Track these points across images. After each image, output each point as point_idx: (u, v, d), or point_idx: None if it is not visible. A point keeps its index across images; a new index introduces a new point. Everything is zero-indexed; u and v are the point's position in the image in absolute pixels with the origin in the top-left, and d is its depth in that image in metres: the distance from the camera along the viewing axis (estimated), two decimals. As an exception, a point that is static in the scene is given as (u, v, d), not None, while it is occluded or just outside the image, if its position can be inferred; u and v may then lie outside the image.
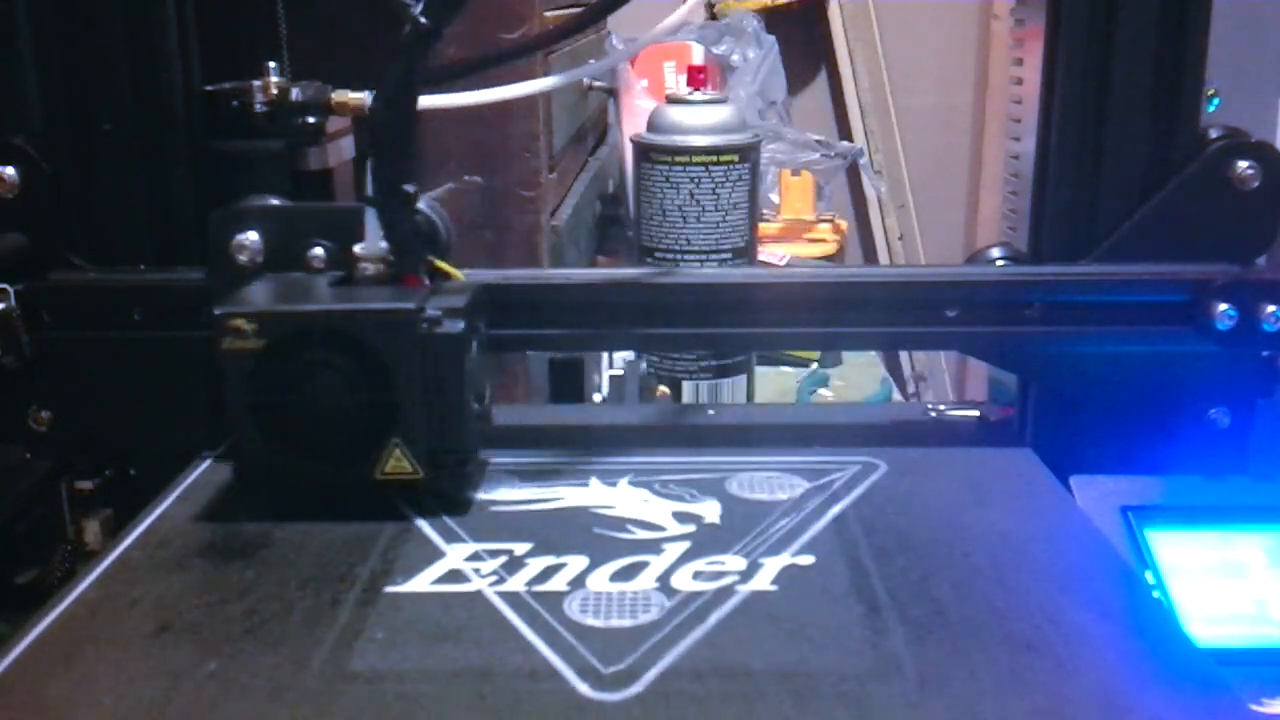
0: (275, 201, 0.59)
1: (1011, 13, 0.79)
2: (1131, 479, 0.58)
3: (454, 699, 0.38)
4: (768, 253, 1.38)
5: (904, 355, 2.10)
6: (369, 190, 0.53)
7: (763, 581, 0.45)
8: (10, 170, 0.58)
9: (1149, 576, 0.53)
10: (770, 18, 2.03)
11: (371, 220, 0.53)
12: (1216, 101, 0.61)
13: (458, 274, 0.55)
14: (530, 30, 0.92)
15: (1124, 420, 0.59)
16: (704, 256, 0.82)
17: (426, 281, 0.54)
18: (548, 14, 0.99)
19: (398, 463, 0.50)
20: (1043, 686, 0.38)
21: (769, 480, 0.55)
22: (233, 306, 0.50)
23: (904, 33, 2.26)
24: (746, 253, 0.85)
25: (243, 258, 0.56)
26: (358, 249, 0.54)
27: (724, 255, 0.83)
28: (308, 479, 0.51)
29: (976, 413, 0.65)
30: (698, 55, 1.63)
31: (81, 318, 0.59)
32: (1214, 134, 0.59)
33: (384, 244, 0.53)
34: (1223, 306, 0.56)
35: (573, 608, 0.44)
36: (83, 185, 0.59)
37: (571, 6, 1.20)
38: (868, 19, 2.25)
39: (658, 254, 0.85)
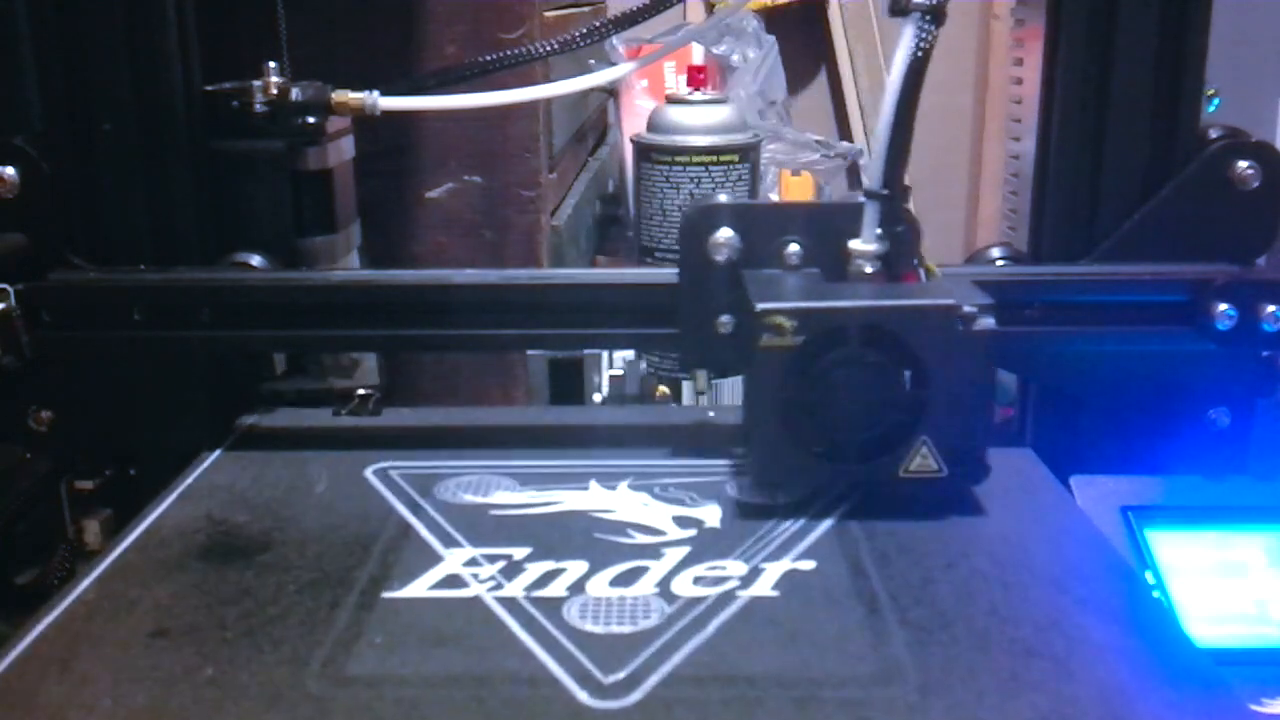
0: (726, 199, 0.59)
1: (1011, 13, 0.79)
2: (1131, 479, 0.58)
3: (452, 705, 0.38)
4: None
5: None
6: (871, 184, 0.52)
7: (764, 587, 0.45)
8: (10, 170, 0.58)
9: (1149, 576, 0.53)
10: (770, 18, 2.03)
11: (871, 215, 0.53)
12: (1216, 101, 0.61)
13: (937, 271, 0.55)
14: (530, 31, 0.92)
15: (1124, 420, 0.59)
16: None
17: (923, 278, 0.54)
18: (548, 14, 1.00)
19: (924, 460, 0.50)
20: (1043, 689, 0.38)
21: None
22: (774, 303, 0.49)
23: (904, 33, 2.26)
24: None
25: (719, 255, 0.55)
26: (855, 244, 0.53)
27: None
28: (830, 476, 0.51)
29: None
30: (698, 55, 1.63)
31: (81, 318, 0.59)
32: (1214, 134, 0.59)
33: (882, 239, 0.53)
34: (1223, 306, 0.56)
35: (572, 613, 0.43)
36: (83, 185, 0.59)
37: (571, 7, 1.21)
38: (868, 19, 2.25)
39: (658, 254, 0.85)
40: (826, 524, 0.51)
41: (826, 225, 0.54)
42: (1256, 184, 0.58)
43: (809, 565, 0.47)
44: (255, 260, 0.63)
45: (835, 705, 0.37)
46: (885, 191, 0.52)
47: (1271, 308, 0.56)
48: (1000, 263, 0.62)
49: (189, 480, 0.56)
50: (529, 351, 0.80)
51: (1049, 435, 0.60)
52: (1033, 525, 0.51)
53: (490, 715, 0.37)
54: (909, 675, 0.39)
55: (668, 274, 0.57)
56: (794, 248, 0.55)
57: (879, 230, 0.53)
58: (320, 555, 0.48)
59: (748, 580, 0.46)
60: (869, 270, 0.53)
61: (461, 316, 0.59)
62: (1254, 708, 0.47)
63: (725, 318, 0.55)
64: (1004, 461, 0.58)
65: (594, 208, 1.31)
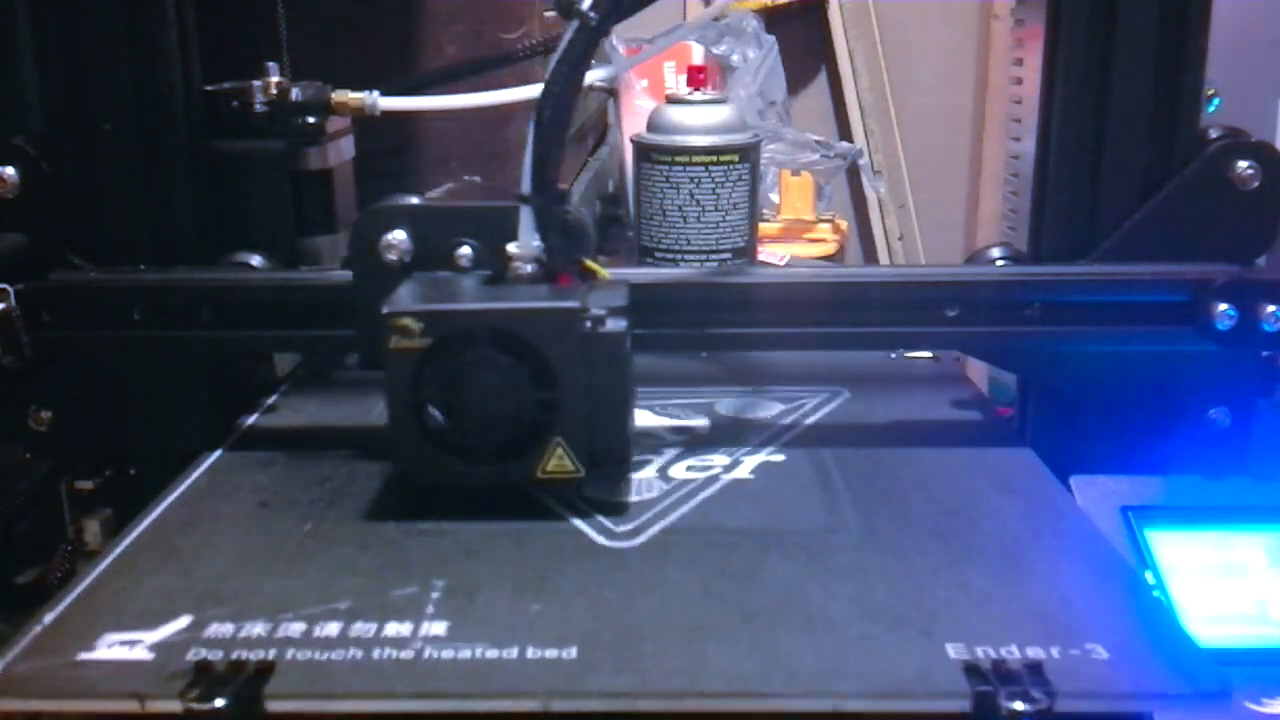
0: (415, 200, 0.59)
1: (1011, 13, 0.79)
2: (1131, 479, 0.58)
3: (499, 545, 0.49)
4: (768, 253, 1.38)
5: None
6: (525, 188, 0.52)
7: (742, 472, 0.57)
8: (10, 170, 0.58)
9: (1149, 576, 0.53)
10: (770, 18, 2.03)
11: (526, 219, 0.53)
12: (1216, 101, 0.61)
13: (604, 273, 0.55)
14: (530, 31, 0.92)
15: (1124, 420, 0.59)
16: (704, 256, 0.82)
17: (577, 280, 0.54)
18: (547, 14, 0.99)
19: (559, 462, 0.51)
20: (956, 536, 0.50)
21: (752, 404, 0.67)
22: (400, 305, 0.50)
23: (904, 33, 2.26)
24: (746, 253, 0.85)
25: (391, 256, 0.56)
26: (511, 247, 0.53)
27: (724, 255, 0.83)
28: (468, 478, 0.52)
29: (930, 355, 0.74)
30: (698, 55, 1.62)
31: (81, 318, 0.59)
32: (1214, 134, 0.59)
33: (537, 243, 0.53)
34: (1223, 306, 0.56)
35: (589, 489, 0.54)
36: (83, 185, 0.59)
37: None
38: (868, 19, 2.25)
39: (658, 254, 0.85)
40: (796, 430, 0.58)
41: (494, 228, 0.55)
42: (1256, 184, 0.58)
43: (779, 458, 0.59)
44: (255, 260, 0.63)
45: (794, 546, 0.49)
46: (536, 196, 0.52)
47: (1271, 308, 0.56)
48: (1000, 263, 0.62)
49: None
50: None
51: (1049, 435, 0.60)
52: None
53: (528, 550, 0.49)
54: (852, 528, 0.51)
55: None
56: (465, 250, 0.56)
57: (537, 233, 0.53)
58: (385, 452, 0.57)
59: (729, 468, 0.58)
60: (525, 272, 0.53)
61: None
62: (1254, 708, 0.47)
63: None
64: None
65: (594, 208, 1.31)
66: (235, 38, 0.67)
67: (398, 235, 0.56)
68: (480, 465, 0.51)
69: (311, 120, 0.64)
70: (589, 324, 0.49)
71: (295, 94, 0.63)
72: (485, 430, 0.51)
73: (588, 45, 0.51)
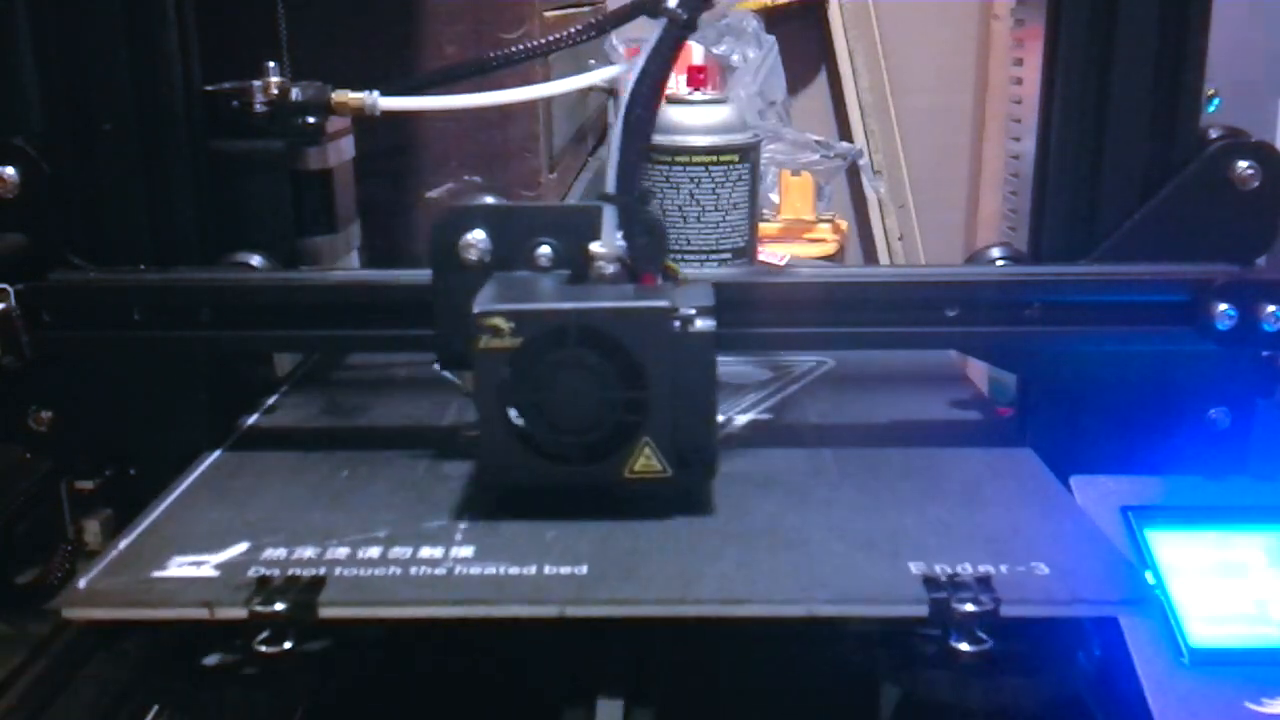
0: (492, 200, 0.59)
1: (1011, 13, 0.79)
2: (1131, 479, 0.57)
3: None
4: (768, 253, 1.38)
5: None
6: (609, 187, 0.52)
7: (733, 428, 0.64)
8: (10, 170, 0.58)
9: (1149, 576, 0.53)
10: (770, 18, 2.03)
11: (610, 218, 0.53)
12: (1216, 101, 0.61)
13: (682, 273, 0.56)
14: (530, 31, 0.92)
15: (1124, 420, 0.59)
16: (704, 256, 0.82)
17: (660, 280, 0.54)
18: (547, 14, 0.99)
19: (647, 461, 0.51)
20: (924, 476, 0.56)
21: (744, 372, 0.72)
22: (491, 305, 0.50)
23: (904, 33, 2.26)
24: (746, 253, 0.85)
25: (471, 256, 0.55)
26: (595, 247, 0.53)
27: (724, 255, 0.83)
28: (556, 478, 0.52)
29: None
30: (698, 55, 1.62)
31: (81, 318, 0.59)
32: (1214, 134, 0.59)
33: (621, 242, 0.53)
34: (1223, 306, 0.56)
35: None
36: (83, 185, 0.59)
37: (570, 7, 1.20)
38: (868, 19, 2.25)
39: (658, 254, 0.85)
40: (783, 393, 0.60)
41: (575, 228, 0.55)
42: (1256, 184, 0.58)
43: (767, 416, 0.66)
44: (255, 260, 0.63)
45: (778, 485, 0.55)
46: (621, 195, 0.52)
47: (1271, 308, 0.56)
48: (1000, 263, 0.62)
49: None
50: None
51: (1049, 435, 0.60)
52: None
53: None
54: (831, 472, 0.57)
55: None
56: (545, 249, 0.55)
57: (620, 233, 0.53)
58: (412, 412, 0.66)
59: (722, 425, 0.63)
60: (608, 272, 0.53)
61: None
62: (1254, 707, 0.47)
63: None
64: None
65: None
66: (235, 38, 0.67)
67: (477, 235, 0.55)
68: (568, 465, 0.51)
69: (311, 120, 0.64)
70: (678, 324, 0.49)
71: (295, 94, 0.63)
72: (574, 430, 0.51)
73: (676, 43, 0.51)
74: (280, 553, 0.49)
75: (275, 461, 0.59)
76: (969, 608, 0.43)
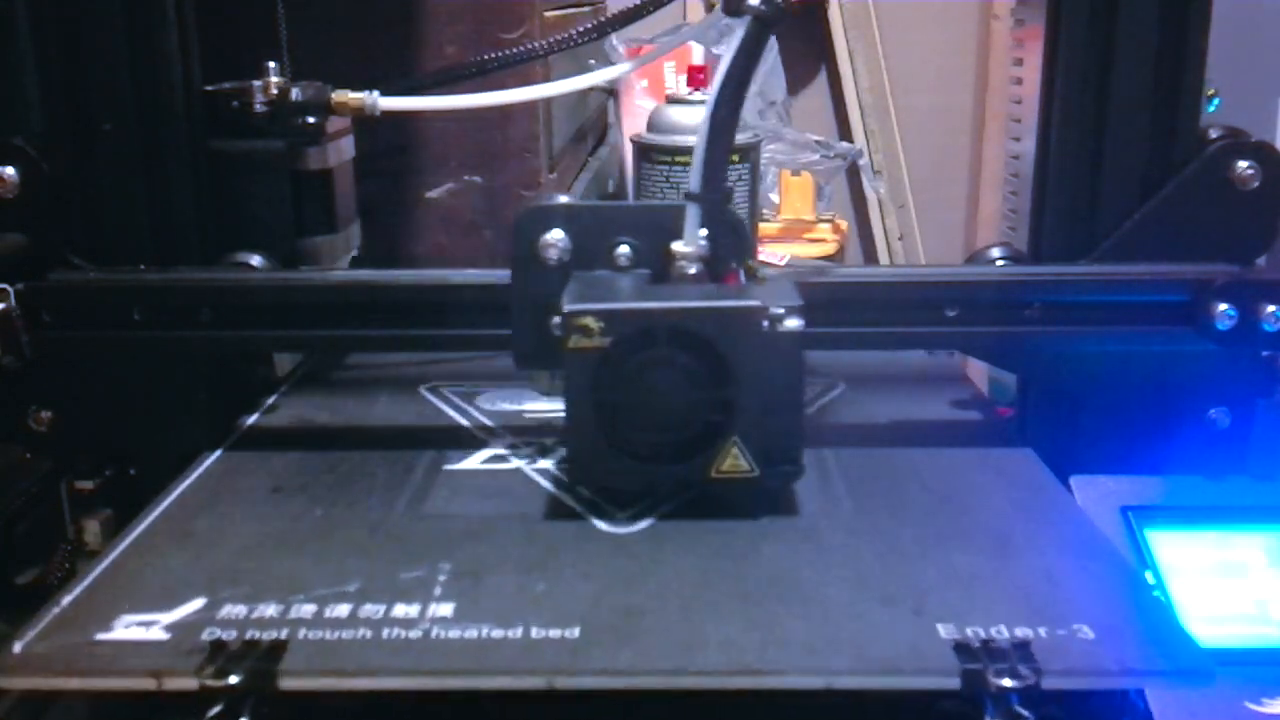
0: (565, 199, 0.58)
1: (1011, 13, 0.79)
2: (1131, 479, 0.57)
3: (504, 530, 0.51)
4: (768, 253, 1.38)
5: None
6: (693, 186, 0.52)
7: None
8: (10, 170, 0.58)
9: (1149, 576, 0.53)
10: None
11: (693, 217, 0.53)
12: (1216, 101, 0.61)
13: (762, 273, 0.55)
14: (530, 31, 0.92)
15: (1124, 420, 0.59)
16: (704, 256, 0.82)
17: (743, 279, 0.54)
18: (548, 14, 0.99)
19: (734, 461, 0.51)
20: (946, 517, 0.52)
21: None
22: (582, 304, 0.50)
23: (904, 33, 2.26)
24: (746, 253, 0.85)
25: (551, 256, 0.55)
26: (677, 246, 0.53)
27: (724, 255, 0.83)
28: (644, 477, 0.52)
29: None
30: (698, 55, 1.62)
31: (81, 318, 0.59)
32: (1214, 134, 0.59)
33: (704, 241, 0.53)
34: (1223, 306, 0.56)
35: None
36: (83, 185, 0.59)
37: (570, 7, 1.20)
38: (868, 19, 2.25)
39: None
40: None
41: (655, 227, 0.55)
42: (1256, 184, 0.58)
43: None
44: (255, 260, 0.63)
45: (789, 529, 0.51)
46: (706, 194, 0.52)
47: (1271, 308, 0.56)
48: (1000, 263, 0.62)
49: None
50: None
51: (1049, 435, 0.60)
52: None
53: (531, 534, 0.51)
54: (846, 507, 0.53)
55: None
56: (624, 249, 0.55)
57: (701, 232, 0.53)
58: (392, 442, 0.61)
59: None
60: (691, 272, 0.53)
61: (461, 316, 0.59)
62: (1254, 708, 0.47)
63: (556, 319, 0.54)
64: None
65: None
66: (235, 38, 0.67)
67: (557, 234, 0.55)
68: (656, 464, 0.51)
69: (311, 120, 0.64)
70: (768, 323, 0.49)
71: (295, 94, 0.63)
72: (662, 429, 0.51)
73: (760, 40, 0.51)
74: (239, 610, 0.44)
75: (245, 496, 0.55)
76: (1007, 682, 0.39)
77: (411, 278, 0.60)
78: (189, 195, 0.61)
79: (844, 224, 1.82)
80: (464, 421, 0.65)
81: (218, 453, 0.60)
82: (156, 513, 0.53)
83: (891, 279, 0.61)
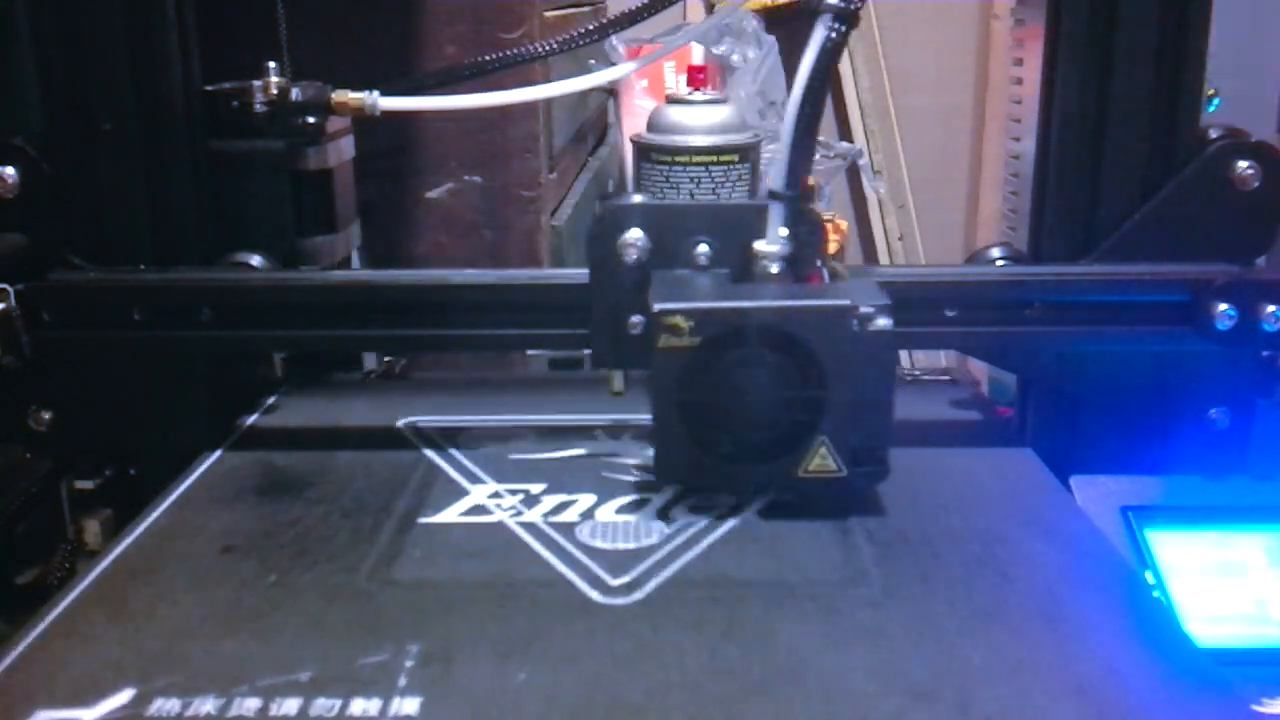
0: (640, 198, 0.58)
1: (1012, 13, 0.79)
2: (1131, 479, 0.57)
3: (481, 601, 0.45)
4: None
5: (904, 355, 2.09)
6: (776, 185, 0.52)
7: (750, 513, 0.52)
8: (10, 170, 0.58)
9: (1149, 576, 0.53)
10: (770, 18, 2.03)
11: (776, 216, 0.53)
12: (1216, 101, 0.61)
13: (844, 271, 0.55)
14: (530, 31, 0.92)
15: (1124, 420, 0.59)
16: (704, 256, 0.82)
17: (826, 278, 0.54)
18: (548, 14, 1.00)
19: (823, 460, 0.51)
20: (986, 590, 0.45)
21: None
22: (672, 303, 0.49)
23: (904, 33, 2.26)
24: (747, 253, 0.85)
25: (631, 255, 0.55)
26: (759, 245, 0.53)
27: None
28: (732, 477, 0.51)
29: (947, 378, 0.70)
30: (698, 55, 1.62)
31: (81, 318, 0.59)
32: (1214, 134, 0.59)
33: (787, 240, 0.53)
34: (1223, 306, 0.56)
35: (583, 534, 0.50)
36: (83, 185, 0.59)
37: (571, 7, 1.20)
38: (868, 19, 2.25)
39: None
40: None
41: (734, 226, 0.54)
42: (1256, 184, 0.58)
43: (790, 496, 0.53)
44: (255, 260, 0.63)
45: (808, 601, 0.44)
46: (790, 192, 0.52)
47: (1271, 308, 0.56)
48: (1000, 263, 0.62)
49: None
50: (529, 351, 0.80)
51: (1049, 435, 0.60)
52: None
53: (513, 606, 0.44)
54: (873, 579, 0.46)
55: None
56: (703, 248, 0.55)
57: (784, 231, 0.53)
58: (361, 490, 0.55)
59: (737, 508, 0.52)
60: (774, 270, 0.53)
61: (461, 316, 0.59)
62: (1254, 708, 0.47)
63: (635, 318, 0.55)
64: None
65: (594, 208, 1.31)
66: (235, 38, 0.67)
67: (636, 234, 0.55)
68: (744, 464, 0.51)
69: (311, 120, 0.64)
70: (858, 322, 0.49)
71: (295, 94, 0.63)
72: (751, 429, 0.50)
73: (842, 38, 0.51)
74: (172, 706, 0.38)
75: (191, 559, 0.48)
76: None
77: (411, 278, 0.60)
78: (189, 195, 0.61)
79: (844, 224, 1.82)
80: (444, 464, 0.58)
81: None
82: (91, 576, 0.47)
83: (891, 279, 0.61)
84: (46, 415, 0.61)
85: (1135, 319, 0.58)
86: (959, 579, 0.46)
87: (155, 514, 0.53)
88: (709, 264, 0.55)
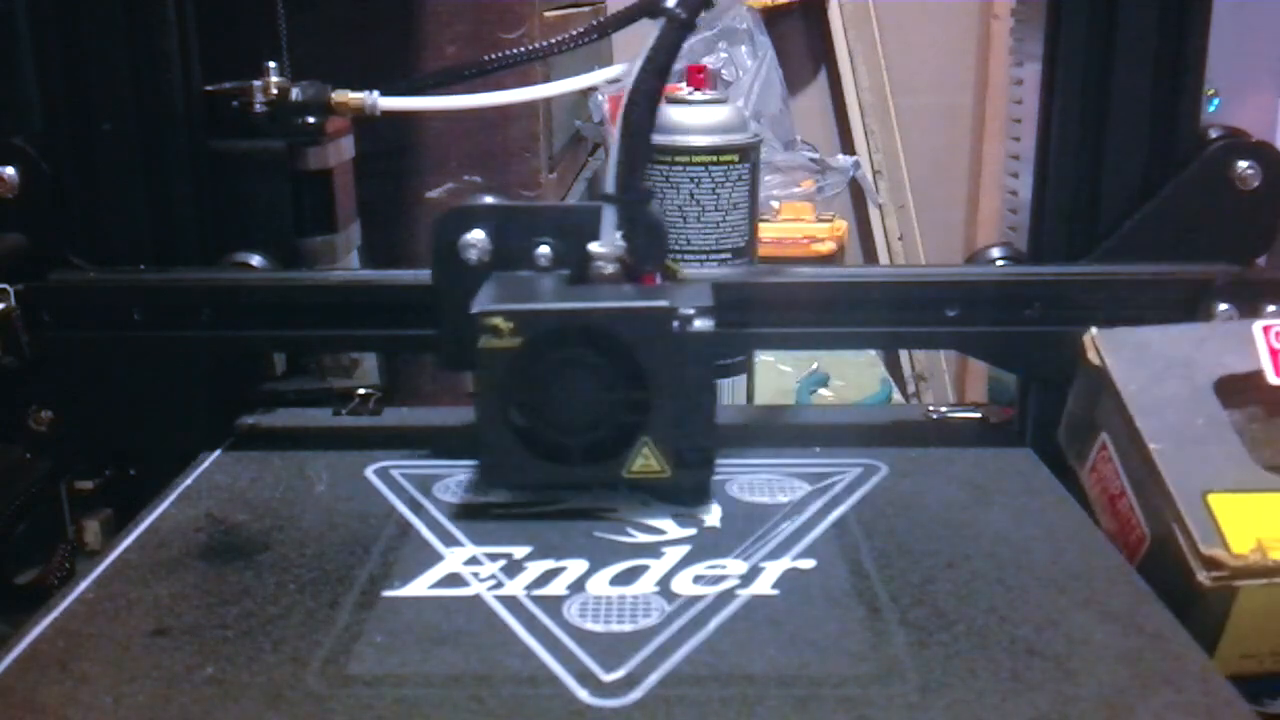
0: (491, 200, 0.58)
1: (1012, 13, 0.79)
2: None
3: (452, 704, 0.38)
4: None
5: (904, 355, 2.10)
6: (608, 187, 0.53)
7: (764, 586, 0.45)
8: (10, 170, 0.58)
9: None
10: (770, 17, 2.03)
11: (609, 218, 0.53)
12: (1216, 101, 0.61)
13: (682, 272, 0.55)
14: (530, 31, 0.92)
15: (1124, 420, 0.59)
16: (704, 256, 0.82)
17: (659, 280, 0.54)
18: (548, 14, 1.00)
19: (646, 461, 0.51)
20: (1043, 689, 0.38)
21: (770, 483, 0.55)
22: (491, 305, 0.49)
23: (904, 33, 2.27)
24: (746, 253, 0.85)
25: (471, 256, 0.55)
26: (594, 247, 0.53)
27: (724, 255, 0.83)
28: (556, 477, 0.51)
29: (978, 414, 0.65)
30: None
31: (81, 318, 0.59)
32: (1214, 134, 0.59)
33: (621, 242, 0.53)
34: (1223, 306, 0.56)
35: (572, 612, 0.44)
36: (83, 185, 0.59)
37: (571, 7, 1.20)
38: (868, 19, 2.25)
39: (658, 254, 0.85)
40: (826, 523, 0.51)
41: (575, 227, 0.55)
42: (1256, 184, 0.58)
43: (809, 564, 0.47)
44: (255, 260, 0.63)
45: (835, 703, 0.37)
46: (622, 195, 0.53)
47: (1271, 308, 0.56)
48: (1000, 263, 0.62)
49: (189, 480, 0.56)
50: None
51: (1049, 435, 0.60)
52: (1033, 525, 0.50)
53: (490, 714, 0.37)
54: (909, 674, 0.39)
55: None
56: (544, 249, 0.55)
57: (619, 233, 0.53)
58: (320, 554, 0.48)
59: (747, 579, 0.46)
60: (608, 272, 0.53)
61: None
62: (1254, 708, 0.47)
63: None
64: (1004, 461, 0.58)
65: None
66: (235, 38, 0.67)
67: (477, 235, 0.55)
68: (568, 465, 0.51)
69: (311, 120, 0.64)
70: (678, 324, 0.49)
71: (295, 94, 0.63)
72: (574, 430, 0.51)
73: (676, 43, 0.51)
74: None
75: (117, 643, 0.41)
76: None
77: (411, 278, 0.60)
78: (189, 195, 0.61)
79: (844, 224, 1.82)
80: (415, 519, 0.51)
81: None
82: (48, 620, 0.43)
83: (891, 279, 0.61)
84: (46, 415, 0.61)
85: (1136, 319, 0.58)
86: (1006, 672, 0.39)
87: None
88: (550, 265, 0.55)
